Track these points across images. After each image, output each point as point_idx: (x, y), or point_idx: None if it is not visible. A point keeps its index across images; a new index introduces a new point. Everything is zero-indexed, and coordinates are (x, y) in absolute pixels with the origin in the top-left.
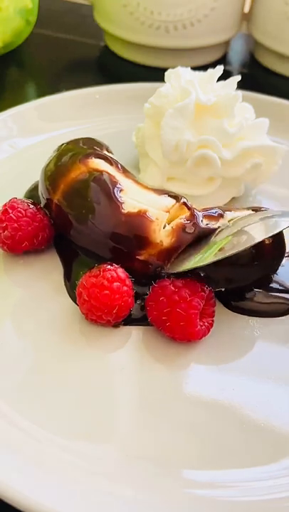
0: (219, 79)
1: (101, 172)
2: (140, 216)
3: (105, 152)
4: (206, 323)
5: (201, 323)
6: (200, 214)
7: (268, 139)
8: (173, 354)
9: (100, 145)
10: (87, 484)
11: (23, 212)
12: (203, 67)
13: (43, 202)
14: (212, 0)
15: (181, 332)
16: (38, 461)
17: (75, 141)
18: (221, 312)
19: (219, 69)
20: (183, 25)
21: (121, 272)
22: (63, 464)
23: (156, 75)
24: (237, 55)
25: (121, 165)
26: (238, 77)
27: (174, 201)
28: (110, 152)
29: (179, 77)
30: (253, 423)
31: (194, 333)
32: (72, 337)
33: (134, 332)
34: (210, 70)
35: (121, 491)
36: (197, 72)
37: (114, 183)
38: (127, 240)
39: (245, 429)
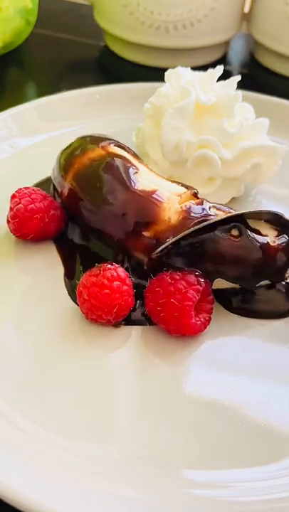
0: (219, 79)
1: (118, 155)
2: (152, 193)
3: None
4: (202, 319)
5: (198, 319)
6: (210, 204)
7: (268, 139)
8: (173, 354)
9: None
10: (87, 484)
11: (35, 191)
12: (203, 67)
13: (56, 183)
14: (212, 0)
15: (175, 323)
16: (38, 461)
17: (93, 135)
18: (221, 312)
19: (219, 69)
20: (183, 25)
21: (121, 272)
22: (63, 463)
23: (156, 75)
24: (237, 55)
25: (138, 156)
26: (238, 77)
27: (185, 189)
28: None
29: (179, 77)
30: (253, 423)
31: (188, 325)
32: (73, 337)
33: (134, 332)
34: (210, 70)
35: (121, 490)
36: (197, 72)
37: (130, 165)
38: (137, 214)
39: (245, 429)
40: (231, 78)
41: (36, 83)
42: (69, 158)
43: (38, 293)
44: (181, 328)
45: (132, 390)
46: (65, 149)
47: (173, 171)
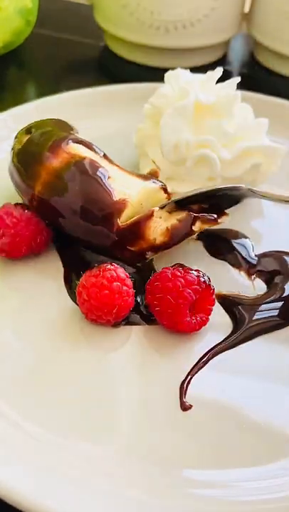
0: (219, 79)
1: (83, 159)
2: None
3: (77, 135)
4: (198, 319)
5: (193, 318)
6: (193, 216)
7: (268, 139)
8: (173, 354)
9: (70, 127)
10: (87, 484)
11: (19, 217)
12: (203, 67)
13: (23, 195)
14: (212, 0)
15: (168, 319)
16: (38, 461)
17: (43, 124)
18: (222, 312)
19: (219, 70)
20: (183, 25)
21: (121, 272)
22: (63, 463)
23: (156, 75)
24: (237, 55)
25: (97, 147)
26: (238, 79)
27: (159, 184)
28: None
29: (179, 78)
30: (253, 423)
31: (181, 323)
32: (73, 337)
33: (134, 332)
34: (209, 72)
35: (121, 490)
36: (196, 75)
37: (101, 170)
38: (122, 233)
39: (245, 429)
40: (231, 79)
41: (36, 83)
42: (30, 170)
43: (38, 293)
44: (173, 324)
45: (132, 389)
46: (18, 156)
47: (172, 171)
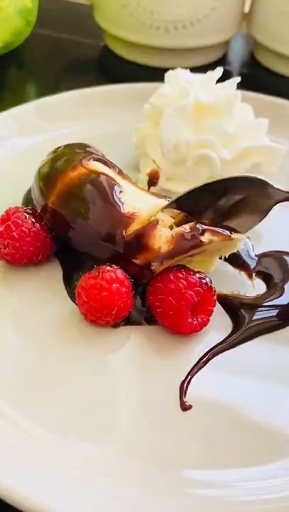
0: (219, 79)
1: (100, 174)
2: (141, 218)
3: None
4: (199, 320)
5: (194, 319)
6: (203, 227)
7: (268, 139)
8: (173, 354)
9: (96, 150)
10: (87, 484)
11: (27, 231)
12: (204, 67)
13: (37, 205)
14: (212, 0)
15: (170, 321)
16: (38, 461)
17: (70, 146)
18: (222, 312)
19: (219, 70)
20: (183, 25)
21: (120, 273)
22: (63, 463)
23: (156, 75)
24: (237, 55)
25: (119, 168)
26: (238, 79)
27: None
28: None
29: (179, 77)
30: (253, 423)
31: (183, 324)
32: (72, 337)
33: (134, 332)
34: (209, 72)
35: (121, 490)
36: (196, 75)
37: (114, 185)
38: (127, 245)
39: (245, 429)
40: (231, 79)
41: (36, 83)
42: (48, 181)
43: (38, 293)
44: (175, 326)
45: (132, 389)
46: (42, 168)
47: (172, 171)
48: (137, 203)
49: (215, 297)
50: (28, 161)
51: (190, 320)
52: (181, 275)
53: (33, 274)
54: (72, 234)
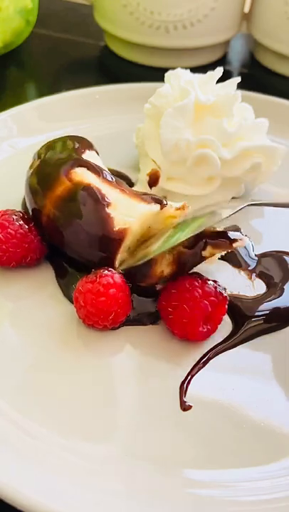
0: (219, 79)
1: (84, 187)
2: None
3: (87, 152)
4: (208, 327)
5: (204, 326)
6: (203, 243)
7: (268, 139)
8: (172, 354)
9: (83, 142)
10: (87, 484)
11: (13, 233)
12: (204, 67)
13: (32, 215)
14: (212, 0)
15: (181, 329)
16: (38, 460)
17: (53, 147)
18: None
19: (219, 70)
20: (183, 25)
21: (118, 278)
22: (63, 463)
23: (156, 75)
24: (237, 55)
25: (106, 171)
26: (238, 79)
27: (165, 203)
28: (93, 149)
29: (179, 77)
30: (253, 423)
31: (194, 333)
32: (72, 337)
33: (134, 333)
34: (209, 72)
35: (121, 490)
36: (196, 75)
37: (100, 199)
38: (130, 275)
39: (245, 429)
40: (231, 79)
41: (36, 83)
42: (37, 195)
43: (38, 294)
44: (186, 334)
45: (131, 390)
46: (30, 179)
47: (173, 171)
48: (126, 215)
49: (226, 305)
50: (28, 161)
51: (201, 329)
52: (196, 283)
53: (32, 274)
54: (67, 251)
